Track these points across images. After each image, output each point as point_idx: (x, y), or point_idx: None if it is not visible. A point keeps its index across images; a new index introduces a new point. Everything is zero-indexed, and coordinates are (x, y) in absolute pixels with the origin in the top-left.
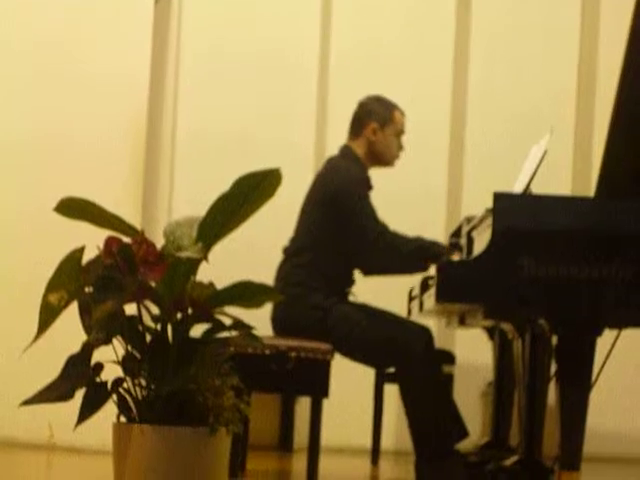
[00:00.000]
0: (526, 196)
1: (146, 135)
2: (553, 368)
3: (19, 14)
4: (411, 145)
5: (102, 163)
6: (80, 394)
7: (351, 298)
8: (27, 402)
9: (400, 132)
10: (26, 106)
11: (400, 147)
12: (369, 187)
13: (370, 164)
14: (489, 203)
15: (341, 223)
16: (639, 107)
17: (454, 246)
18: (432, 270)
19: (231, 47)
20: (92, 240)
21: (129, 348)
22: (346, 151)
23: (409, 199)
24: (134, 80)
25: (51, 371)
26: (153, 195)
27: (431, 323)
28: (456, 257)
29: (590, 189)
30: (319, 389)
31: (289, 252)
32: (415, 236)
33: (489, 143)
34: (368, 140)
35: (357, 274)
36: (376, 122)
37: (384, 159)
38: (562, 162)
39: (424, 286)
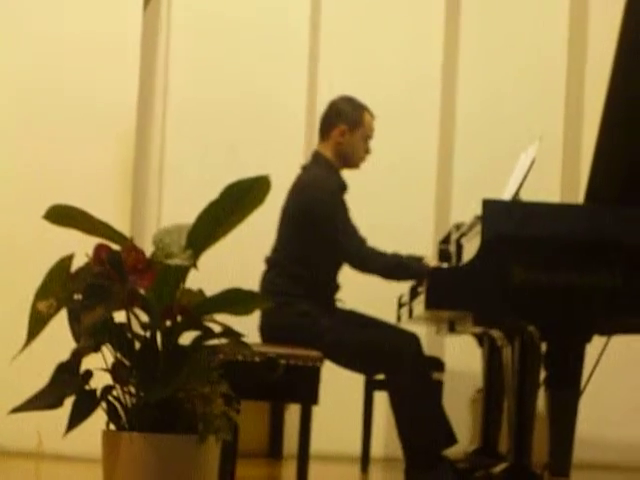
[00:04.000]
0: (515, 203)
1: (135, 143)
2: (542, 375)
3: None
4: (400, 152)
5: (91, 171)
6: (69, 402)
7: (339, 304)
8: (16, 410)
9: (368, 136)
10: (14, 113)
11: (367, 150)
12: (343, 190)
13: (339, 166)
14: (478, 210)
15: (316, 237)
16: (628, 114)
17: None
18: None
19: (219, 55)
20: (81, 248)
21: (118, 356)
22: (317, 157)
23: (398, 206)
24: (122, 88)
25: (40, 379)
26: (142, 202)
27: (421, 330)
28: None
29: (579, 196)
30: (309, 396)
31: (270, 263)
32: (392, 253)
33: (478, 150)
34: (335, 142)
35: (342, 279)
36: (345, 124)
37: (350, 161)
38: (551, 169)
39: (414, 293)
